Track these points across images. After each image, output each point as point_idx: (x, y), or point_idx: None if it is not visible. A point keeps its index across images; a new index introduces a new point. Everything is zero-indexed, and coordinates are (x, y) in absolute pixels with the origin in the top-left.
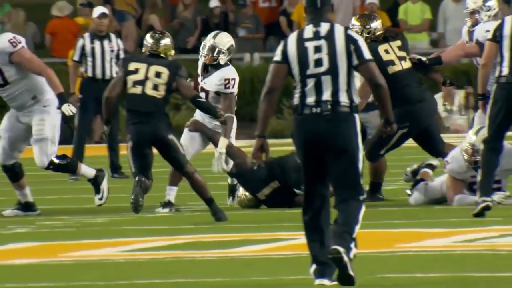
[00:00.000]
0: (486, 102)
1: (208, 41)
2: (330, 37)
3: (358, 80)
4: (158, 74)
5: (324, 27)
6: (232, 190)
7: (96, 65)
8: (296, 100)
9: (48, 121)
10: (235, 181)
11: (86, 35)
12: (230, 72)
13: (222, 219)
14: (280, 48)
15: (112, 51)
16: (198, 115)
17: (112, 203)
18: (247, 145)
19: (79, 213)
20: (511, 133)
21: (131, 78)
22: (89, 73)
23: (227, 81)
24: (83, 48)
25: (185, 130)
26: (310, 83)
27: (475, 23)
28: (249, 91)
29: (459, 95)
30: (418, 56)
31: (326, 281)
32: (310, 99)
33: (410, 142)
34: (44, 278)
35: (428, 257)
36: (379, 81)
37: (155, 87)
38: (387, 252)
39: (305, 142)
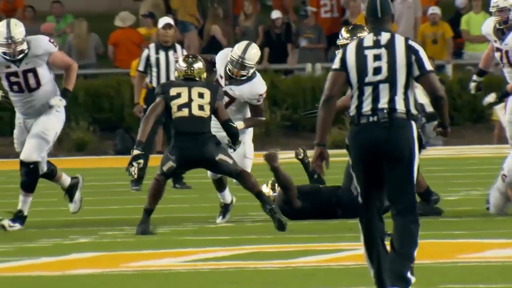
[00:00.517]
0: None
1: (237, 55)
2: (390, 46)
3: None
4: (201, 95)
5: (384, 36)
6: (225, 210)
7: (160, 75)
8: (352, 110)
9: (53, 124)
10: (228, 200)
11: (152, 45)
12: (261, 86)
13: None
14: (339, 56)
15: (176, 61)
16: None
17: (173, 213)
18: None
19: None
20: None
21: (175, 103)
22: (154, 84)
23: (260, 96)
24: (148, 58)
25: None
26: (368, 90)
27: (505, 20)
28: (310, 101)
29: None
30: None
31: None
32: (367, 108)
33: (472, 153)
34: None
35: (490, 268)
36: (440, 93)
37: (201, 108)
38: (448, 263)
39: (363, 152)
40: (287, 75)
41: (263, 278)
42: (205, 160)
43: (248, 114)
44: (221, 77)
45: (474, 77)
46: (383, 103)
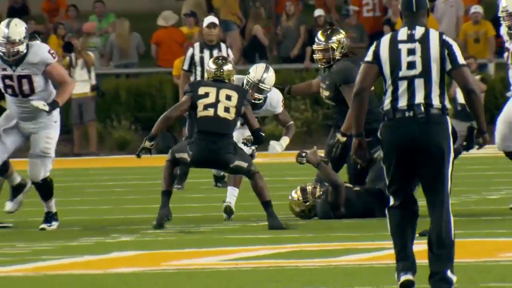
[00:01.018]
0: None
1: (255, 78)
2: (424, 40)
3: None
4: (228, 97)
5: (419, 31)
6: (228, 211)
7: (205, 74)
8: (386, 105)
9: (54, 139)
10: (231, 199)
11: (196, 44)
12: (278, 93)
13: (274, 227)
14: (372, 48)
15: None
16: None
17: (214, 212)
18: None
19: (182, 221)
20: None
21: (202, 102)
22: None
23: (283, 100)
24: (192, 57)
25: None
26: (402, 85)
27: None
28: None
29: None
30: None
31: (410, 276)
32: (402, 103)
33: None
34: (147, 286)
35: None
36: (471, 86)
37: (227, 110)
38: (490, 261)
39: (398, 147)
40: None
41: (304, 277)
42: (219, 164)
43: None
44: None
45: None
46: (419, 98)
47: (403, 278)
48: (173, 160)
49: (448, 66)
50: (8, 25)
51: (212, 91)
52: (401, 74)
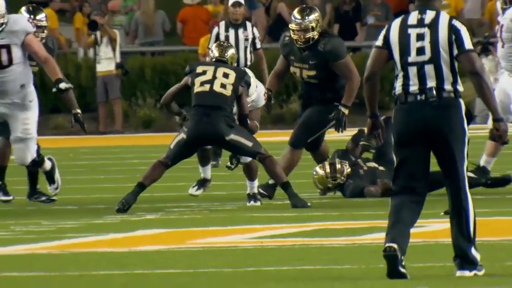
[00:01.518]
0: None
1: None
2: (433, 25)
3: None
4: (226, 75)
5: (429, 15)
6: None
7: None
8: (398, 89)
9: (32, 119)
10: (253, 190)
11: (222, 23)
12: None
13: (298, 206)
14: (382, 33)
15: (246, 39)
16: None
17: (240, 190)
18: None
19: (207, 200)
20: None
21: (199, 79)
22: None
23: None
24: (217, 36)
25: None
26: (412, 71)
27: None
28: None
29: None
30: None
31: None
32: (414, 87)
33: None
34: (172, 264)
35: None
36: (477, 69)
37: (223, 86)
38: None
39: (411, 130)
40: (354, 52)
41: (329, 255)
42: (215, 137)
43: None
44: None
45: None
46: (430, 83)
47: (387, 244)
48: (167, 158)
49: (455, 51)
50: None
51: (209, 69)
52: (410, 59)
